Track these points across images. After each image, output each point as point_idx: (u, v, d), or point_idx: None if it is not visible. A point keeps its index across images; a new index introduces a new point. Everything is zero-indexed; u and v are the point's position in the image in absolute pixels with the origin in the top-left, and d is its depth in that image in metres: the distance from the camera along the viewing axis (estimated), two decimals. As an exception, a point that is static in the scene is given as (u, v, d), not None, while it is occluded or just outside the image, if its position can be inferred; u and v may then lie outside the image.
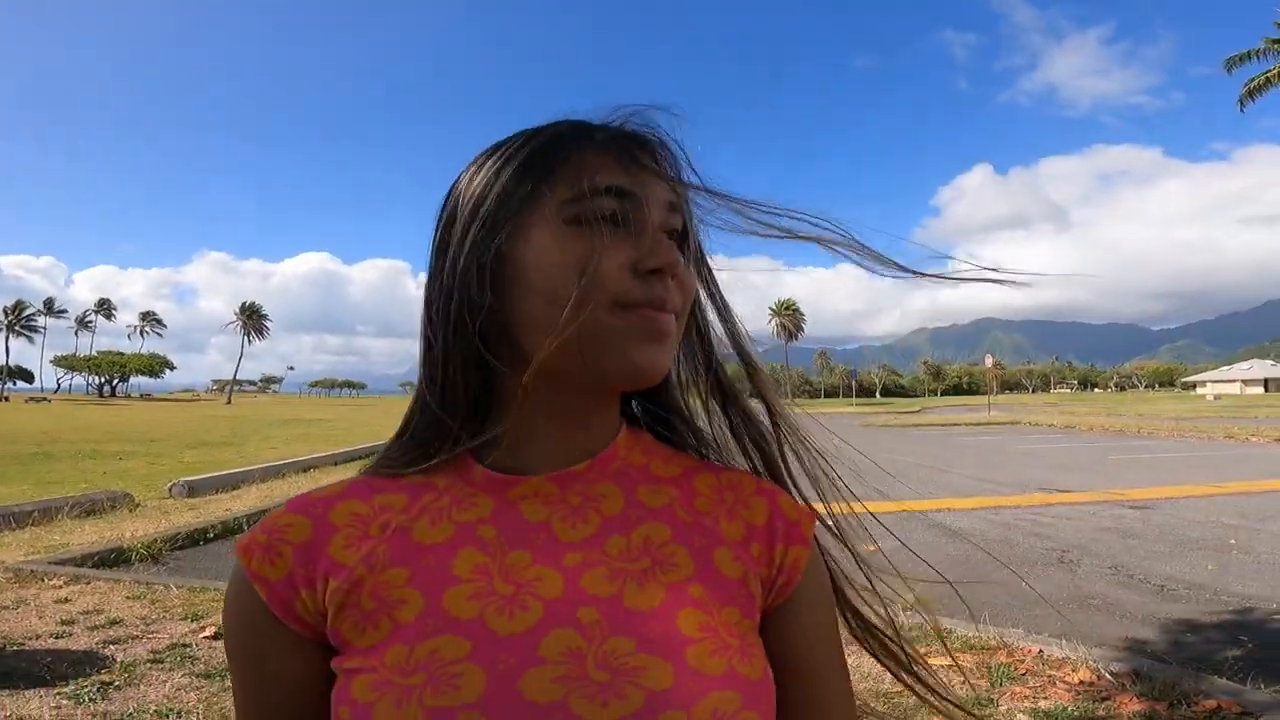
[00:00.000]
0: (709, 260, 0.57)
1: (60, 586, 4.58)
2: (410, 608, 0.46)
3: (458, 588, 0.47)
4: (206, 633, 3.88)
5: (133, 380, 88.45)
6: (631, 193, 0.48)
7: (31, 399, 61.54)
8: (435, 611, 0.46)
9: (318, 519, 0.50)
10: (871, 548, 0.59)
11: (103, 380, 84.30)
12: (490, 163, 0.51)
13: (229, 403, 62.68)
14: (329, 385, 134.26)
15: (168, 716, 2.84)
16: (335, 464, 12.42)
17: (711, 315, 0.58)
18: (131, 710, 2.89)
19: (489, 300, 0.48)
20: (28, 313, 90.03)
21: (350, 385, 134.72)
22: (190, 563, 5.60)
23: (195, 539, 6.15)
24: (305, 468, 11.66)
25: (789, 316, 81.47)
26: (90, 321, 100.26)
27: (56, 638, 3.73)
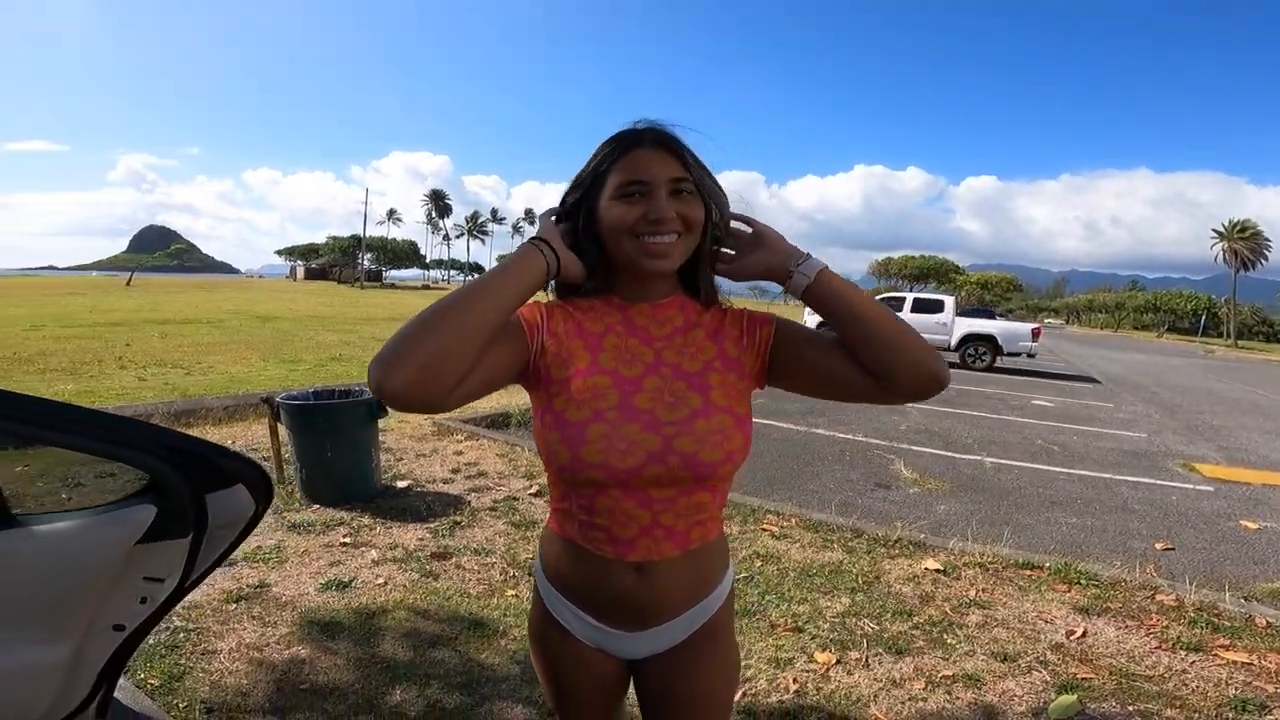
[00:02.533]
0: (713, 198, 1.01)
1: (461, 440, 5.57)
2: (583, 360, 1.01)
3: (605, 353, 1.03)
4: (532, 490, 4.25)
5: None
6: (645, 180, 0.97)
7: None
8: (595, 364, 1.01)
9: (543, 311, 1.04)
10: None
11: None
12: (594, 154, 1.02)
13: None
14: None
15: (479, 553, 3.52)
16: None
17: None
18: (460, 545, 3.63)
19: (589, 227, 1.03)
20: (481, 220, 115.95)
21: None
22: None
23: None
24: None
25: (1244, 240, 62.54)
26: (521, 227, 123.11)
27: (444, 482, 4.47)
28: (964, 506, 5.01)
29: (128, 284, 48.69)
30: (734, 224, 1.07)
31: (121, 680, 2.05)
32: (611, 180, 0.98)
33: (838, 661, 2.61)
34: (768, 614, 2.97)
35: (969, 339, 16.07)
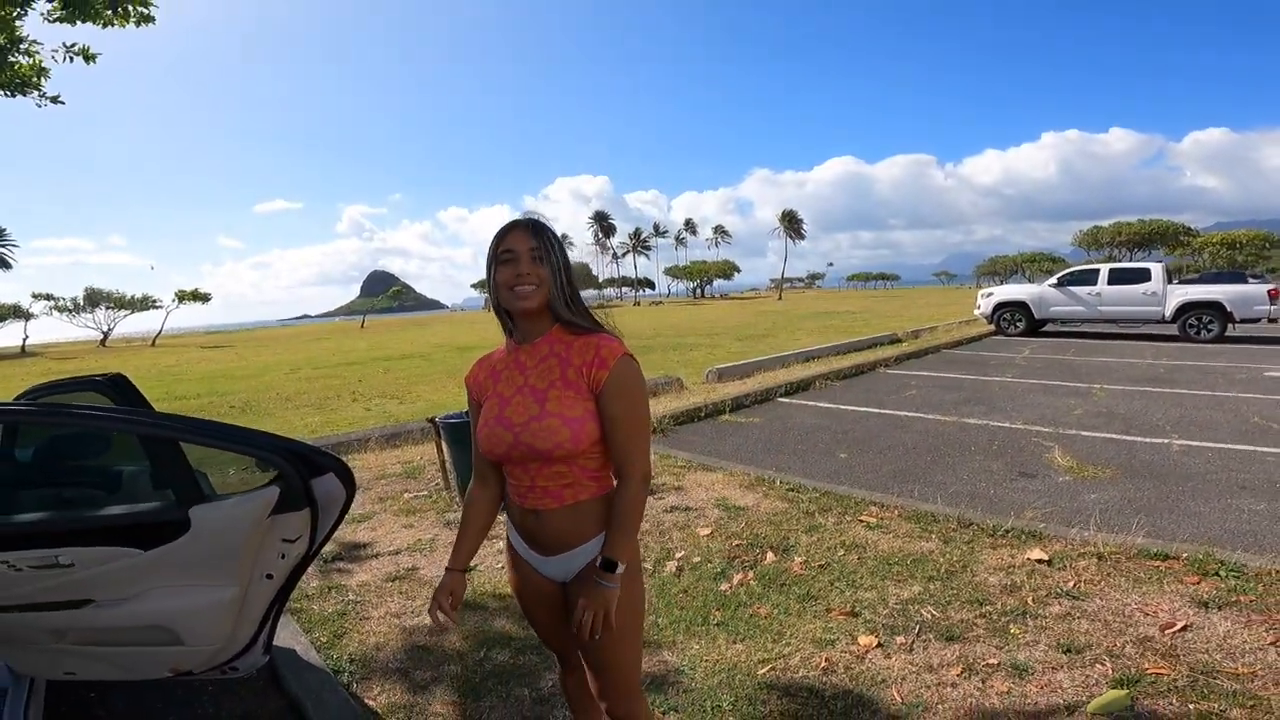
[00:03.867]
0: (560, 258, 1.54)
1: None
2: (489, 388, 1.62)
3: (500, 382, 1.59)
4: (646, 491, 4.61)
5: (716, 283, 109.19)
6: (513, 249, 1.50)
7: (653, 302, 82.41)
8: (495, 392, 1.59)
9: (483, 363, 1.68)
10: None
11: (694, 284, 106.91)
12: (491, 243, 1.54)
13: (780, 299, 71.39)
14: (863, 278, 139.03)
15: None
16: (837, 354, 12.85)
17: (562, 279, 1.54)
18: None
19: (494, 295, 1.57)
20: (644, 236, 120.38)
21: (884, 277, 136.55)
22: (680, 435, 6.68)
23: (690, 417, 7.29)
24: (808, 358, 12.40)
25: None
26: (683, 238, 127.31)
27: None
28: (1120, 494, 4.56)
29: (361, 327, 57.60)
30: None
31: (302, 638, 2.85)
32: (495, 253, 1.53)
33: (879, 645, 2.72)
34: (828, 599, 3.13)
35: (1189, 308, 13.79)
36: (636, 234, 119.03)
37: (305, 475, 1.69)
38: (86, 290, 57.46)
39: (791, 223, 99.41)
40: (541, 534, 1.56)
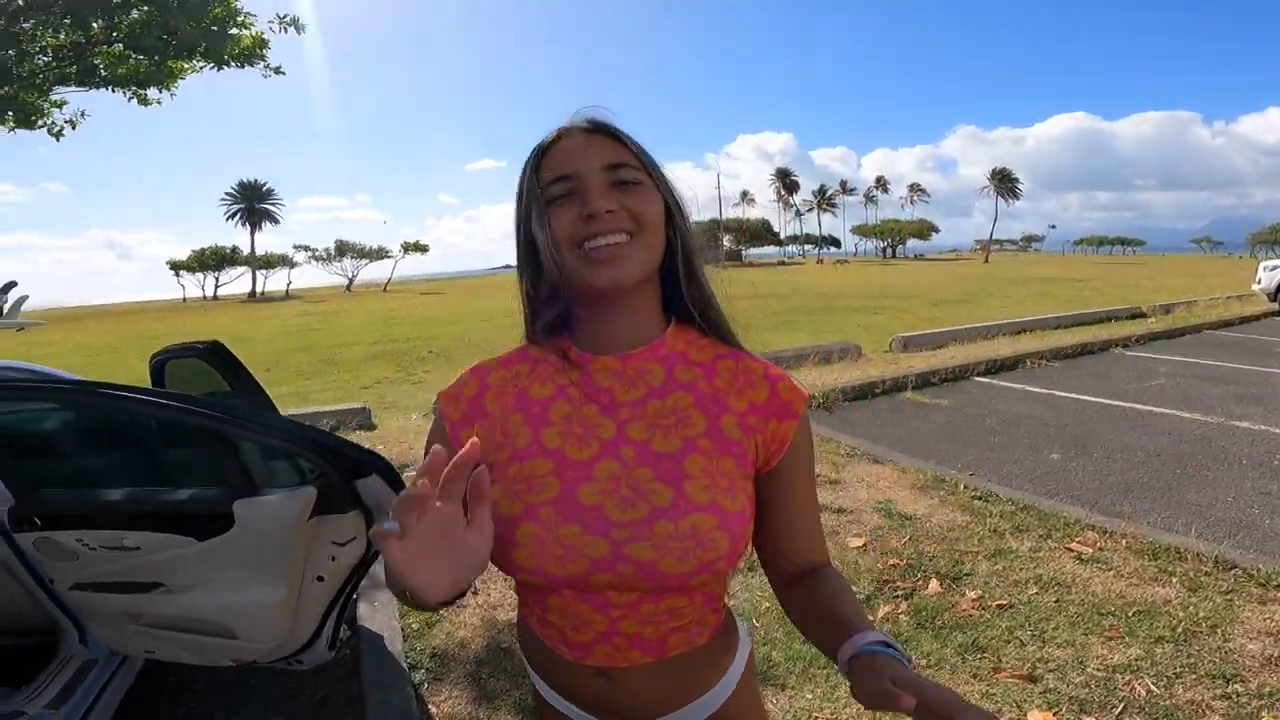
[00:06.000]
0: (671, 192, 0.81)
1: None
2: (521, 439, 0.80)
3: (551, 427, 0.80)
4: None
5: (910, 243, 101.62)
6: (570, 175, 0.76)
7: (837, 261, 78.27)
8: (535, 443, 0.79)
9: (482, 379, 0.86)
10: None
11: (885, 244, 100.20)
12: (522, 169, 0.81)
13: (986, 261, 64.22)
14: (1096, 242, 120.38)
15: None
16: (1058, 327, 11.02)
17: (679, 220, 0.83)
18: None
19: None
20: (829, 193, 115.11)
21: (1124, 242, 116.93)
22: (850, 413, 5.96)
23: (864, 392, 6.51)
24: (1019, 330, 10.79)
25: None
26: (873, 196, 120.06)
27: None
28: None
29: None
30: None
31: (395, 622, 2.77)
32: (540, 189, 0.78)
33: (1069, 729, 2.04)
34: (1001, 653, 2.44)
35: None
36: (821, 191, 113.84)
37: (347, 476, 1.53)
38: (336, 242, 67.20)
39: (1004, 181, 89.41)
40: (617, 702, 0.85)
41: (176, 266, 68.10)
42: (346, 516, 1.66)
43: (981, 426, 5.61)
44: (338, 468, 1.56)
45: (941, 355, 8.55)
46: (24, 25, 5.77)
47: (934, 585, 2.98)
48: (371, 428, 6.25)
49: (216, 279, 68.62)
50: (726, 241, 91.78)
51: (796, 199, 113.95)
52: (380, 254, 66.94)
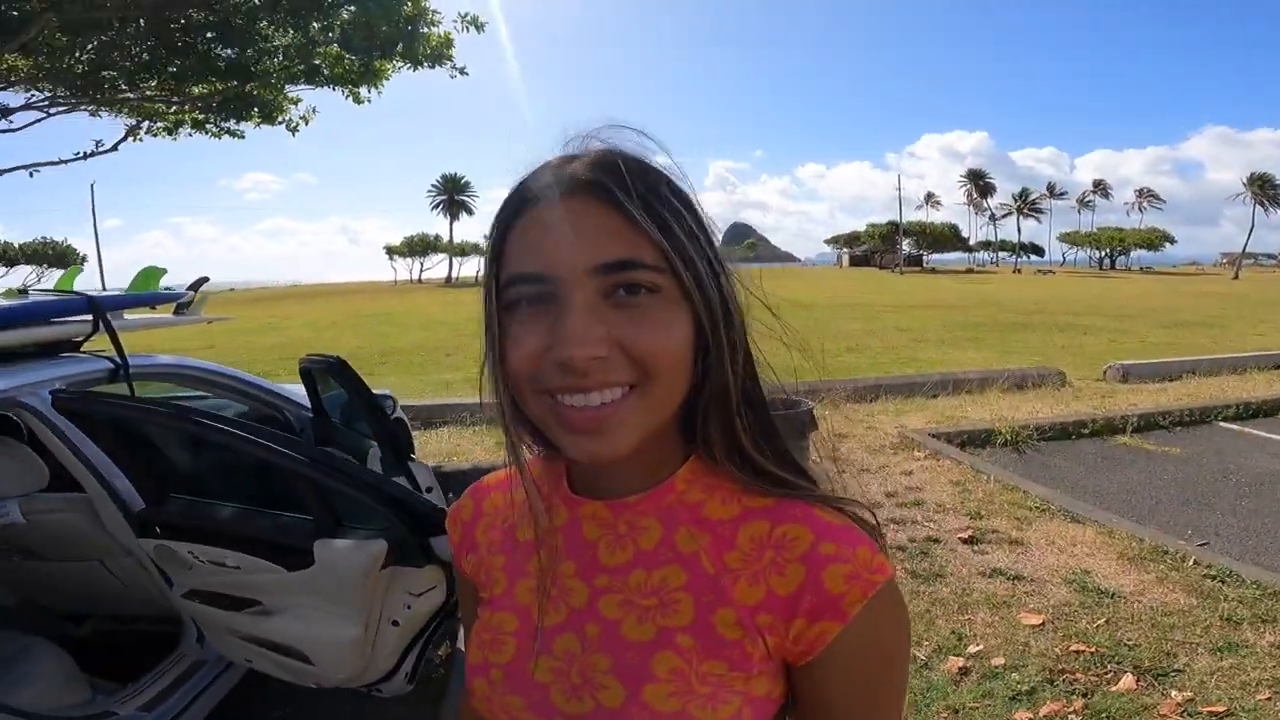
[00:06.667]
0: (716, 276, 0.53)
1: (918, 459, 4.96)
2: (499, 586, 0.66)
3: (525, 580, 0.63)
4: (965, 533, 3.53)
5: (1133, 254, 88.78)
6: (539, 276, 0.50)
7: (1039, 270, 70.31)
8: (508, 594, 0.64)
9: (478, 503, 0.71)
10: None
11: (1102, 254, 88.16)
12: (493, 226, 0.55)
13: (1235, 278, 54.04)
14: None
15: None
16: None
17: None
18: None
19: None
20: (1032, 197, 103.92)
21: None
22: (1045, 456, 5.11)
23: (1066, 431, 5.57)
24: (1277, 364, 8.79)
25: None
26: (1089, 201, 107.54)
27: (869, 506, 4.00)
28: None
29: None
30: None
31: None
32: (495, 285, 0.55)
33: None
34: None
35: None
36: (1023, 194, 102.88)
37: (421, 532, 1.55)
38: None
39: (1264, 187, 75.06)
40: None
41: (390, 251, 77.23)
42: (423, 570, 1.59)
43: (1225, 485, 4.52)
44: (407, 522, 1.51)
45: (1174, 391, 7.12)
46: (259, 25, 6.58)
47: (1127, 681, 2.36)
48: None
49: (421, 264, 76.91)
50: (906, 246, 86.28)
51: (991, 202, 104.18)
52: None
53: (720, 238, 0.58)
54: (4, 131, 7.68)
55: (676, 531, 0.58)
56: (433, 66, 7.30)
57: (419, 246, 75.32)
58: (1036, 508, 4.00)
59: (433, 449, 5.49)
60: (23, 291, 2.42)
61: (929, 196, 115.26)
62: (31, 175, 8.51)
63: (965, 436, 5.41)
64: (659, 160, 0.55)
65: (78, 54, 6.63)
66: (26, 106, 7.64)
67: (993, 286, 34.77)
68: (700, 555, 0.57)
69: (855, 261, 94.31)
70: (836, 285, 35.70)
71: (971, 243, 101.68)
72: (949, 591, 3.06)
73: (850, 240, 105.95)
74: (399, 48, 6.74)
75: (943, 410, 6.36)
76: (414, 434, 5.95)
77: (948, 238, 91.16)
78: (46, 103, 7.63)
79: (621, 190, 0.50)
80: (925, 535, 3.67)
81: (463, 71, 7.47)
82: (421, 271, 77.91)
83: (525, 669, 0.61)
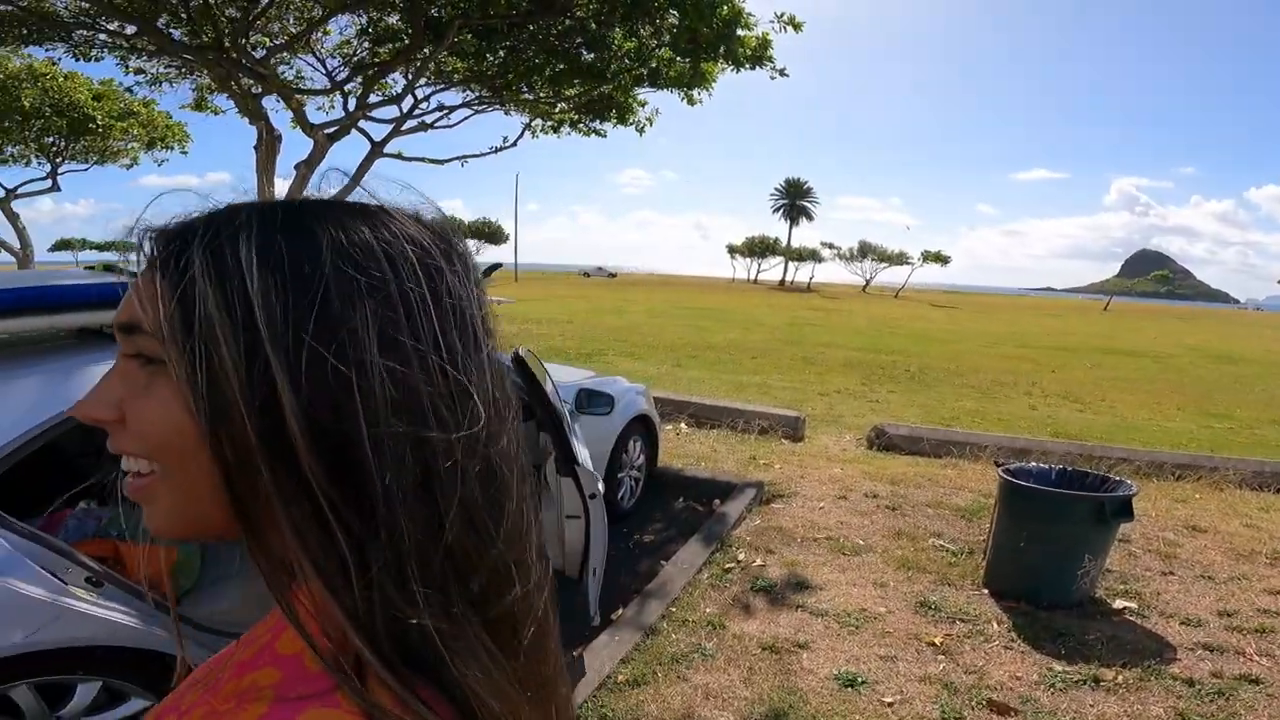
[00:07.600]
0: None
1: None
2: None
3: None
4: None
5: None
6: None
7: None
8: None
9: None
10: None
11: None
12: None
13: None
14: None
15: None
16: None
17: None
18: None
19: None
20: None
21: None
22: None
23: None
24: None
25: None
26: None
27: (1187, 623, 2.88)
28: None
29: (1104, 309, 49.72)
30: None
31: (607, 666, 2.50)
32: None
33: None
34: None
35: None
36: None
37: None
38: (859, 243, 69.75)
39: None
40: None
41: (732, 250, 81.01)
42: None
43: None
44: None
45: None
46: (612, 32, 7.13)
47: None
48: (799, 439, 5.98)
49: (758, 265, 79.13)
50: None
51: None
52: (900, 259, 66.67)
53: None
54: (445, 127, 9.63)
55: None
56: (753, 68, 7.23)
57: (758, 247, 77.52)
58: None
59: (684, 450, 5.41)
60: None
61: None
62: (463, 165, 10.53)
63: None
64: None
65: (489, 57, 7.80)
66: (463, 105, 9.36)
67: None
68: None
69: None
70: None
71: None
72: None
73: (1323, 282, 78.48)
74: (720, 50, 6.81)
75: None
76: (683, 432, 5.89)
77: None
78: (475, 100, 9.36)
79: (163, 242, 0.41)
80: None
81: (782, 73, 7.27)
82: (759, 272, 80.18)
83: None
